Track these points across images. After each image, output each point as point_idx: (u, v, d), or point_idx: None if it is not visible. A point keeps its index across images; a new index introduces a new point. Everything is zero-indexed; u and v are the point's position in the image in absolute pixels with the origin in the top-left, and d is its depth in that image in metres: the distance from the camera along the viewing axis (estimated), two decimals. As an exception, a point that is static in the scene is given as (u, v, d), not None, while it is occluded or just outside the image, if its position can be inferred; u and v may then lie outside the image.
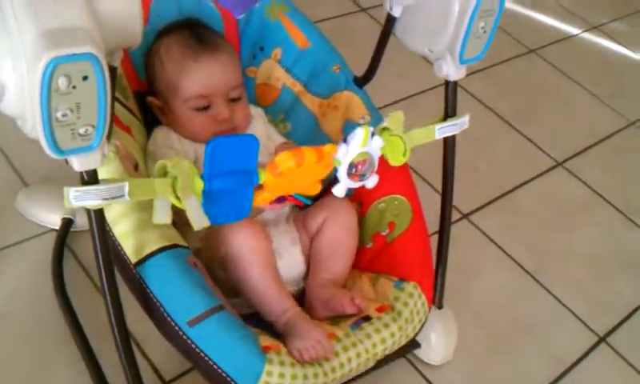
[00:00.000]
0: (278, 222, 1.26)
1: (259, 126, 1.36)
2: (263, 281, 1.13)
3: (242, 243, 1.12)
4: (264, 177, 0.98)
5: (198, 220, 0.95)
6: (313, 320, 1.14)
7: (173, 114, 1.28)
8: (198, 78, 1.26)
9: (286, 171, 0.98)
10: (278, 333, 1.12)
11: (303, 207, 1.26)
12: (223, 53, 1.29)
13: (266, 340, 1.07)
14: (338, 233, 1.26)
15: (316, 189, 1.08)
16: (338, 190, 1.07)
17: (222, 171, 0.95)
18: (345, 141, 1.04)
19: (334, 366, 1.08)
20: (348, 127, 1.35)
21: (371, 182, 1.09)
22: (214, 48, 1.28)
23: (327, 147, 1.01)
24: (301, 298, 1.23)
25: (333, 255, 1.25)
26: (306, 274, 1.26)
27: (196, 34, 1.30)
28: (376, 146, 1.06)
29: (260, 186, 0.99)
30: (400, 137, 1.11)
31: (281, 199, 1.12)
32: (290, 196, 1.13)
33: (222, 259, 1.14)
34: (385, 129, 1.11)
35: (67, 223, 1.37)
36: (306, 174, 1.02)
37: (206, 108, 1.26)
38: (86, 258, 1.36)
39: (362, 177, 1.07)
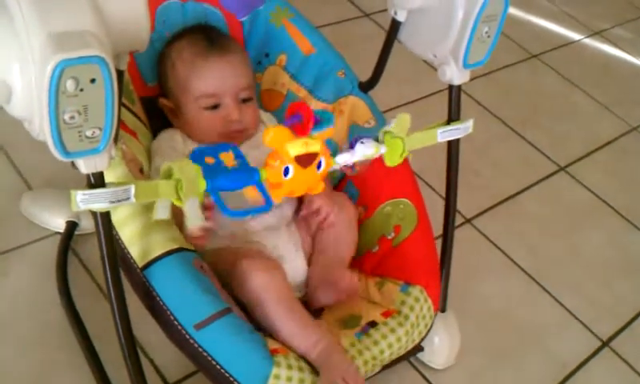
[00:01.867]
0: (279, 226, 1.26)
1: None
2: (283, 319, 1.10)
3: (252, 288, 1.10)
4: (265, 174, 0.98)
5: (194, 220, 0.96)
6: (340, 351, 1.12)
7: (184, 115, 1.30)
8: (207, 76, 1.27)
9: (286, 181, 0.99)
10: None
11: None
12: (234, 54, 1.31)
13: (274, 343, 1.07)
14: (340, 229, 1.26)
15: (320, 185, 1.07)
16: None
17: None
18: (352, 147, 1.04)
19: None
20: (353, 131, 1.35)
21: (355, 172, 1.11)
22: (224, 49, 1.30)
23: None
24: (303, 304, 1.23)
25: (335, 248, 1.26)
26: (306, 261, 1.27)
27: (207, 36, 1.32)
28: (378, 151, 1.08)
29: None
30: (401, 139, 1.12)
31: (297, 117, 1.10)
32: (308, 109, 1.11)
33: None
34: (387, 132, 1.11)
35: (72, 226, 1.37)
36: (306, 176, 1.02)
37: (215, 107, 1.28)
38: (90, 260, 1.36)
39: (354, 169, 1.09)
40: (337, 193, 1.33)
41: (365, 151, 1.05)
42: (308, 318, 1.13)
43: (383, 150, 1.09)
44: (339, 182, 1.38)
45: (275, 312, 1.10)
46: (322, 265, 1.24)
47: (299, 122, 1.09)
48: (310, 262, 1.27)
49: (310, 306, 1.21)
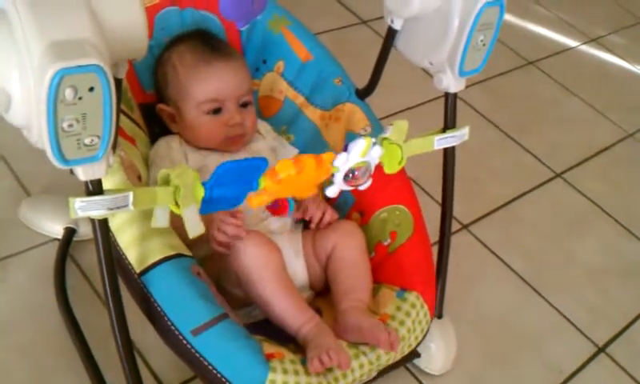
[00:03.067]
0: (282, 231, 1.27)
1: (264, 141, 1.38)
2: (277, 296, 1.12)
3: (249, 262, 1.12)
4: (264, 183, 1.00)
5: (194, 228, 0.96)
6: (329, 331, 1.13)
7: (184, 121, 1.30)
8: (210, 81, 1.28)
9: (285, 178, 1.00)
10: (298, 343, 1.12)
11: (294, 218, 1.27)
12: (234, 59, 1.33)
13: (270, 347, 1.07)
14: (352, 253, 1.25)
15: (311, 191, 1.08)
16: (331, 192, 1.08)
17: (225, 185, 0.97)
18: (346, 149, 1.05)
19: (337, 377, 1.08)
20: (349, 138, 1.36)
21: (364, 186, 1.11)
22: (225, 55, 1.32)
23: (326, 155, 1.03)
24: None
25: (355, 272, 1.24)
26: (309, 284, 1.27)
27: (208, 41, 1.33)
28: (375, 154, 1.08)
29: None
30: (399, 145, 1.12)
31: (275, 205, 1.17)
32: (285, 200, 1.17)
33: (233, 273, 1.15)
34: (385, 138, 1.12)
35: (70, 232, 1.37)
36: (305, 179, 1.03)
37: (217, 112, 1.29)
38: (88, 267, 1.36)
39: (357, 181, 1.09)
40: (344, 221, 1.32)
41: (358, 148, 1.06)
42: (301, 299, 1.15)
43: (377, 149, 1.09)
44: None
45: (271, 289, 1.12)
46: (353, 307, 1.18)
47: (276, 207, 1.22)
48: (310, 272, 1.27)
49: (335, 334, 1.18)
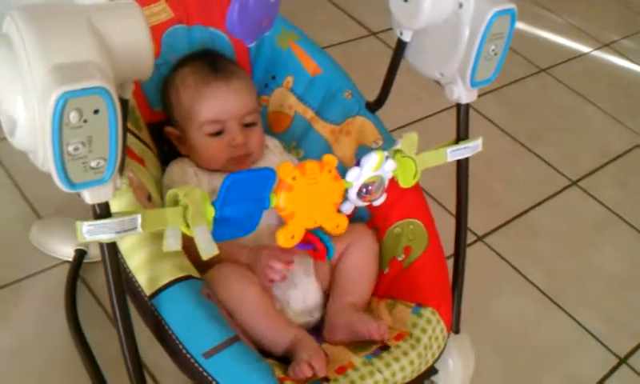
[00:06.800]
0: (292, 252, 1.25)
1: (274, 156, 1.37)
2: (258, 324, 1.12)
3: (227, 296, 1.12)
4: (275, 200, 0.98)
5: (206, 248, 0.95)
6: (314, 342, 1.13)
7: (189, 142, 1.30)
8: (210, 103, 1.27)
9: (293, 184, 0.99)
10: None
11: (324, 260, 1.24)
12: (237, 80, 1.31)
13: (280, 372, 1.06)
14: (361, 257, 1.25)
15: (342, 223, 1.08)
16: (346, 208, 1.08)
17: (235, 201, 0.96)
18: (358, 164, 1.04)
19: None
20: (361, 152, 1.34)
21: (379, 201, 1.10)
22: (227, 75, 1.30)
23: (327, 157, 1.03)
24: (316, 328, 1.22)
25: (357, 278, 1.24)
26: (324, 303, 1.25)
27: (211, 62, 1.32)
28: (388, 168, 1.07)
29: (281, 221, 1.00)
30: (412, 159, 1.11)
31: (309, 246, 1.15)
32: (314, 235, 1.14)
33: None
34: (397, 151, 1.11)
35: (80, 255, 1.37)
36: (317, 190, 1.03)
37: (219, 133, 1.28)
38: (99, 289, 1.36)
39: (371, 196, 1.08)
40: (356, 224, 1.31)
41: (370, 162, 1.05)
42: (283, 321, 1.15)
43: (391, 163, 1.07)
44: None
45: (252, 320, 1.11)
46: (342, 308, 1.20)
47: (314, 250, 1.17)
48: (324, 290, 1.25)
49: (325, 337, 1.19)
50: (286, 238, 1.03)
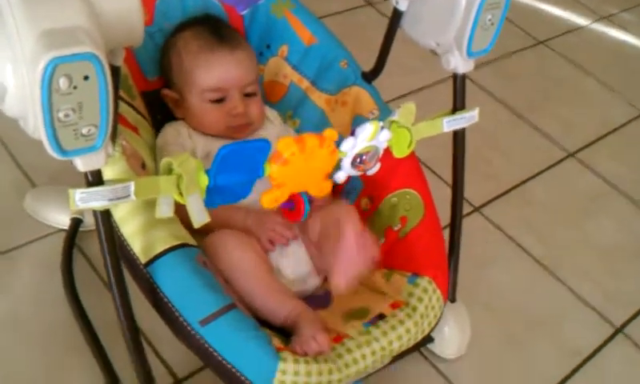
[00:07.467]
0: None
1: (273, 128, 1.37)
2: (259, 291, 1.12)
3: (229, 262, 1.12)
4: (269, 169, 0.98)
5: (199, 217, 0.95)
6: (316, 317, 1.13)
7: (187, 107, 1.30)
8: (214, 70, 1.28)
9: (290, 158, 0.98)
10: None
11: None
12: (241, 49, 1.32)
13: (278, 341, 1.06)
14: (337, 212, 1.22)
15: (326, 187, 1.07)
16: (339, 177, 1.07)
17: (229, 171, 0.95)
18: (353, 134, 1.04)
19: (348, 363, 1.06)
20: (357, 122, 1.34)
21: (372, 170, 1.10)
22: (232, 44, 1.31)
23: (328, 132, 1.02)
24: (309, 297, 1.22)
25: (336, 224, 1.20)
26: (314, 272, 1.25)
27: (215, 29, 1.32)
28: (383, 138, 1.07)
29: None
30: (408, 129, 1.10)
31: (289, 205, 1.13)
32: (299, 196, 1.13)
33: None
34: (393, 122, 1.10)
35: (76, 223, 1.37)
36: (312, 164, 1.02)
37: (220, 101, 1.28)
38: (95, 257, 1.35)
39: (365, 166, 1.08)
40: (340, 201, 1.30)
41: (365, 132, 1.04)
42: (282, 291, 1.15)
43: (385, 133, 1.07)
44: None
45: (251, 287, 1.12)
46: (329, 248, 1.18)
47: (291, 208, 1.16)
48: (313, 260, 1.25)
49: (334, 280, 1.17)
50: (270, 202, 1.01)
